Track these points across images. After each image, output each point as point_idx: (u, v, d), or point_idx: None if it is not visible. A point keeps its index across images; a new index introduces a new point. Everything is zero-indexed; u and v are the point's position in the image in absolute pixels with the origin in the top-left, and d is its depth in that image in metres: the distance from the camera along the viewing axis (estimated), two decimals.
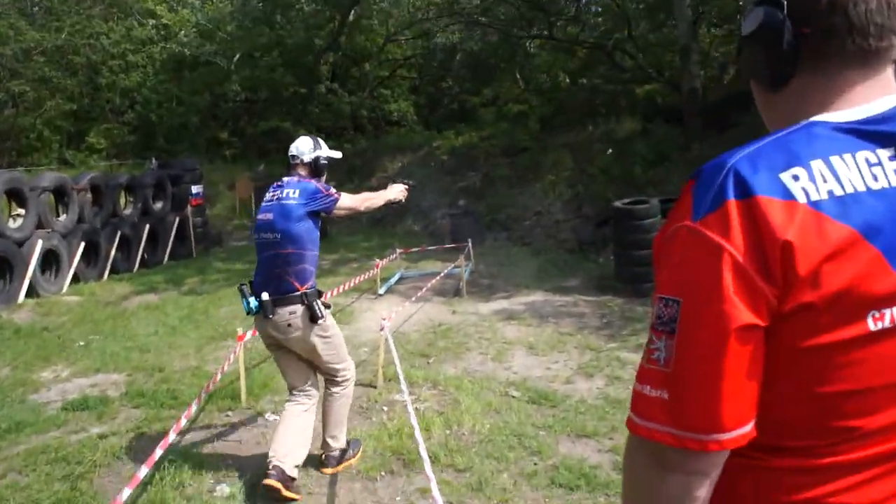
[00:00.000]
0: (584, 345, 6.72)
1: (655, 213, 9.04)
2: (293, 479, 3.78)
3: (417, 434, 3.62)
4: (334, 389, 4.09)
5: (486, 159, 16.27)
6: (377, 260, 10.03)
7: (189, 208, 15.01)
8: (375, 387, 5.63)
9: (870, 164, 0.97)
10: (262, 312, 3.79)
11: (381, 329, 5.71)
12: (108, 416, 5.15)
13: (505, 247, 13.01)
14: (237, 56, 22.34)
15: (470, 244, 10.87)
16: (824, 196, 0.94)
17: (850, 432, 0.98)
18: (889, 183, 0.97)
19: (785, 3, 1.03)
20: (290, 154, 4.12)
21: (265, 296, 3.78)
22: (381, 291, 9.60)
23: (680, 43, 12.96)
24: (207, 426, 4.92)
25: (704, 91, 13.38)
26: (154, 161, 16.16)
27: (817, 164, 0.95)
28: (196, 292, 10.61)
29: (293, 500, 3.74)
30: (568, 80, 19.85)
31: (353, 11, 21.97)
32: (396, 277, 10.49)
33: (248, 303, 3.83)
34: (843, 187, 0.95)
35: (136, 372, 6.35)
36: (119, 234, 12.77)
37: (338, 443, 4.11)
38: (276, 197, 3.96)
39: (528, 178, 15.04)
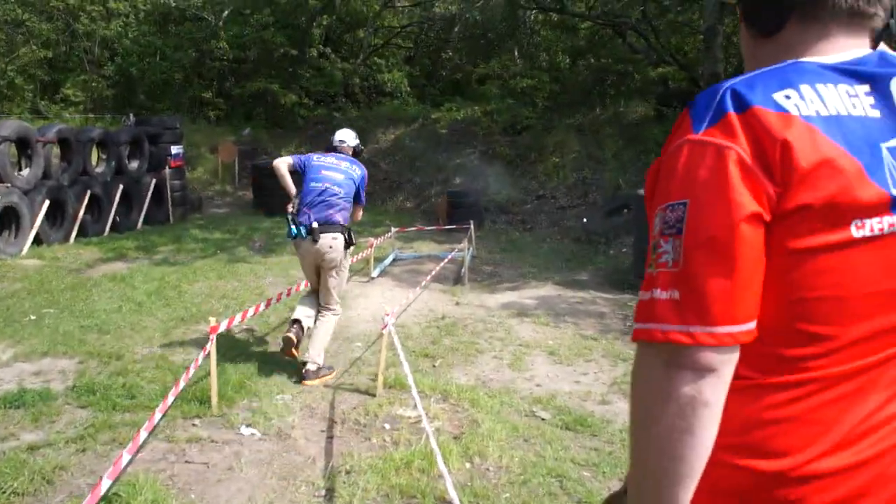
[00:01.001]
0: (612, 353, 5.84)
1: None
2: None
3: (441, 467, 2.83)
4: (326, 313, 5.35)
5: (485, 136, 15.30)
6: (370, 239, 9.09)
7: (167, 170, 13.95)
8: (374, 395, 4.72)
9: (849, 95, 1.04)
10: (311, 236, 5.05)
11: (384, 326, 4.80)
12: (47, 419, 4.19)
13: (505, 231, 12.11)
14: (226, 12, 21.08)
15: (472, 227, 9.94)
16: (813, 113, 1.00)
17: (828, 340, 1.01)
18: (865, 112, 1.03)
19: None
20: (338, 139, 5.58)
21: (315, 224, 5.06)
22: (374, 274, 8.69)
23: (705, 23, 12.01)
24: (168, 439, 3.97)
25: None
26: (132, 117, 15.05)
27: (806, 88, 1.02)
28: (169, 262, 9.63)
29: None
30: (569, 60, 18.80)
31: None
32: (390, 259, 9.58)
33: (301, 230, 5.07)
34: (827, 109, 1.01)
35: (89, 358, 5.39)
36: (89, 193, 11.71)
37: (319, 359, 5.13)
38: (338, 163, 5.36)
39: (530, 158, 14.13)
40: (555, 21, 19.03)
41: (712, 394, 0.95)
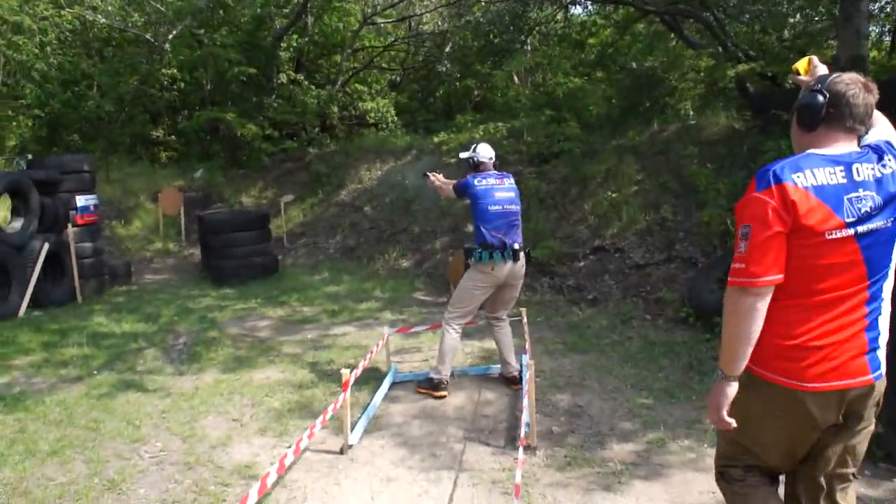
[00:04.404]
0: None
1: None
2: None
3: None
4: (503, 323, 5.63)
5: (505, 166, 11.46)
6: (342, 371, 5.17)
7: (71, 229, 10.01)
8: None
9: (829, 173, 2.29)
10: (513, 258, 5.29)
11: None
12: None
13: (555, 305, 8.18)
14: (173, 32, 17.28)
15: (525, 316, 5.98)
16: (809, 184, 2.25)
17: (815, 283, 2.30)
18: (837, 181, 2.28)
19: (827, 95, 2.35)
20: (486, 156, 5.59)
21: (516, 245, 5.34)
22: (351, 439, 4.52)
23: None
24: None
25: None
26: (26, 158, 11.21)
27: (808, 171, 2.28)
28: (7, 393, 5.65)
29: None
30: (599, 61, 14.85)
31: None
32: (385, 388, 5.55)
33: (502, 254, 5.24)
34: (817, 181, 2.26)
35: None
36: None
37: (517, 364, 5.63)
38: (501, 181, 5.46)
39: (571, 193, 10.26)
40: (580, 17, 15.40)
41: (761, 305, 2.27)
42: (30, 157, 12.57)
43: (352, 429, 4.54)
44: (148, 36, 17.39)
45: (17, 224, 9.41)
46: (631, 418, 4.90)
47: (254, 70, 16.79)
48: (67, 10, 16.17)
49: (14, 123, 17.44)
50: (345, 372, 4.28)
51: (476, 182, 5.37)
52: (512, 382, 5.54)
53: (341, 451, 4.36)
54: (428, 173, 5.97)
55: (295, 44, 19.68)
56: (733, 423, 2.38)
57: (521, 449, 3.56)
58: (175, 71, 17.39)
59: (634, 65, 12.93)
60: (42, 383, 6.10)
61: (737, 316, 2.27)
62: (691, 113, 11.26)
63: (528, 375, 4.34)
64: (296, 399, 5.41)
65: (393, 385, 5.66)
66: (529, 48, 14.63)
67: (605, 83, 12.56)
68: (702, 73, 11.74)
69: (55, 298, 9.64)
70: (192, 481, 4.03)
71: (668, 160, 9.73)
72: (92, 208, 10.55)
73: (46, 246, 9.48)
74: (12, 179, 9.41)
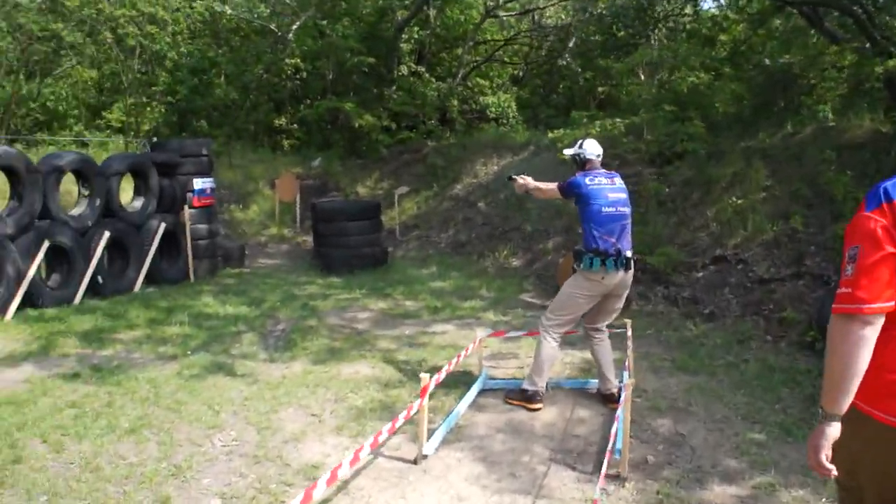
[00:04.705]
0: None
1: None
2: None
3: None
4: (602, 335, 5.17)
5: (624, 165, 10.90)
6: (422, 376, 4.89)
7: (187, 210, 10.26)
8: None
9: None
10: (625, 267, 4.81)
11: None
12: None
13: (667, 317, 7.60)
14: (297, 24, 17.58)
15: (629, 329, 5.52)
16: None
17: None
18: None
19: None
20: (594, 153, 5.07)
21: (629, 253, 4.85)
22: (426, 448, 4.20)
23: None
24: None
25: None
26: (151, 141, 11.58)
27: None
28: (98, 370, 5.71)
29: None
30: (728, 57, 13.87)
31: None
32: (473, 394, 5.23)
33: (615, 262, 4.74)
34: None
35: None
36: (46, 244, 8.07)
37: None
38: (612, 181, 4.98)
39: (693, 198, 9.62)
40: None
41: (870, 334, 1.97)
42: (155, 139, 13.03)
43: (430, 437, 4.26)
44: (273, 26, 17.77)
45: (137, 204, 9.69)
46: (738, 455, 4.30)
47: (373, 60, 16.84)
48: (199, 0, 16.73)
49: (148, 109, 18.26)
50: (424, 377, 3.99)
51: (587, 181, 4.88)
52: (609, 400, 5.05)
53: (415, 461, 4.07)
54: (514, 176, 5.50)
55: (416, 35, 19.68)
56: (834, 470, 2.08)
57: (600, 479, 3.16)
58: (298, 61, 17.71)
59: (768, 61, 12.01)
60: (139, 359, 6.17)
61: (843, 347, 2.00)
62: (830, 115, 10.30)
63: (624, 396, 3.91)
64: (380, 398, 5.18)
65: (482, 392, 5.32)
66: (656, 43, 13.92)
67: (735, 81, 11.68)
68: (845, 71, 10.73)
69: (169, 277, 9.90)
70: (257, 477, 3.86)
71: (801, 165, 8.91)
72: (208, 191, 10.78)
73: (163, 226, 9.73)
74: (134, 161, 9.70)
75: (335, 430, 4.57)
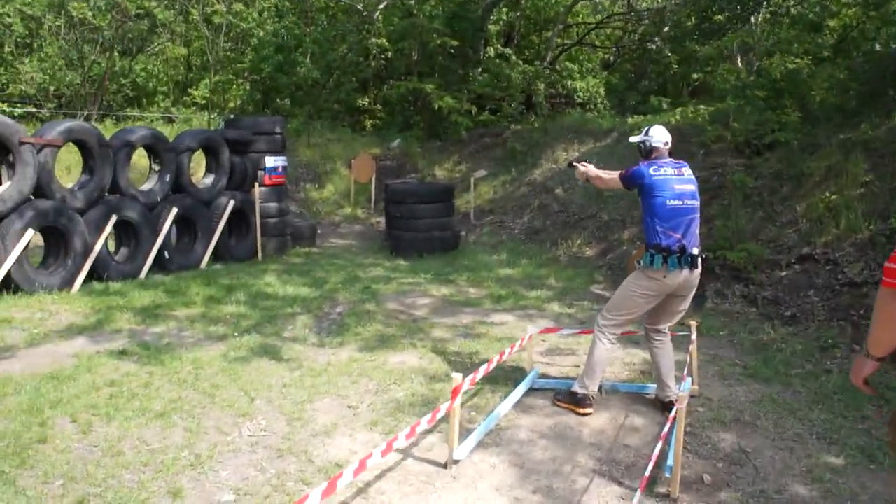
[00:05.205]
0: None
1: None
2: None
3: None
4: (665, 338, 4.72)
5: (709, 155, 10.26)
6: (454, 376, 4.57)
7: (258, 188, 10.24)
8: None
9: None
10: (690, 265, 4.38)
11: None
12: None
13: (744, 318, 7.04)
14: (384, 4, 17.41)
15: (693, 330, 5.06)
16: None
17: None
18: None
19: None
20: (662, 141, 4.65)
21: (695, 250, 4.42)
22: (458, 452, 3.87)
23: None
24: None
25: None
26: (227, 117, 11.61)
27: None
28: (147, 348, 5.65)
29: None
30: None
31: None
32: (517, 394, 4.87)
33: (679, 260, 4.35)
34: None
35: None
36: (114, 218, 8.14)
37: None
38: (681, 171, 4.56)
39: (782, 191, 8.94)
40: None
41: None
42: (232, 116, 13.11)
43: (465, 438, 3.97)
44: (359, 6, 17.66)
45: (208, 180, 9.72)
46: (809, 481, 3.80)
47: (456, 42, 16.50)
48: None
49: (234, 86, 18.49)
50: (456, 377, 3.68)
51: (652, 171, 4.47)
52: (667, 409, 4.57)
53: (445, 466, 3.78)
54: (574, 163, 5.15)
55: (505, 17, 19.22)
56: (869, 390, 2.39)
57: (636, 495, 2.79)
58: (384, 41, 17.55)
59: (879, 47, 11.06)
60: (189, 338, 6.10)
61: (889, 320, 2.14)
62: None
63: (676, 408, 3.51)
64: (422, 392, 4.91)
65: (530, 391, 4.98)
66: (756, 28, 13.04)
67: (837, 67, 10.77)
68: None
69: (237, 254, 9.91)
70: (276, 472, 3.66)
71: None
72: (280, 170, 10.74)
73: (232, 203, 9.73)
74: (206, 137, 9.71)
75: (368, 424, 4.32)
